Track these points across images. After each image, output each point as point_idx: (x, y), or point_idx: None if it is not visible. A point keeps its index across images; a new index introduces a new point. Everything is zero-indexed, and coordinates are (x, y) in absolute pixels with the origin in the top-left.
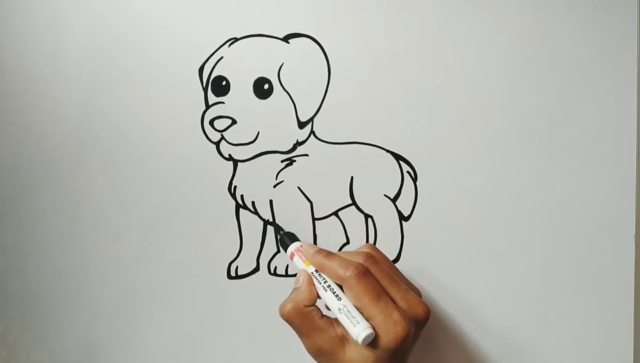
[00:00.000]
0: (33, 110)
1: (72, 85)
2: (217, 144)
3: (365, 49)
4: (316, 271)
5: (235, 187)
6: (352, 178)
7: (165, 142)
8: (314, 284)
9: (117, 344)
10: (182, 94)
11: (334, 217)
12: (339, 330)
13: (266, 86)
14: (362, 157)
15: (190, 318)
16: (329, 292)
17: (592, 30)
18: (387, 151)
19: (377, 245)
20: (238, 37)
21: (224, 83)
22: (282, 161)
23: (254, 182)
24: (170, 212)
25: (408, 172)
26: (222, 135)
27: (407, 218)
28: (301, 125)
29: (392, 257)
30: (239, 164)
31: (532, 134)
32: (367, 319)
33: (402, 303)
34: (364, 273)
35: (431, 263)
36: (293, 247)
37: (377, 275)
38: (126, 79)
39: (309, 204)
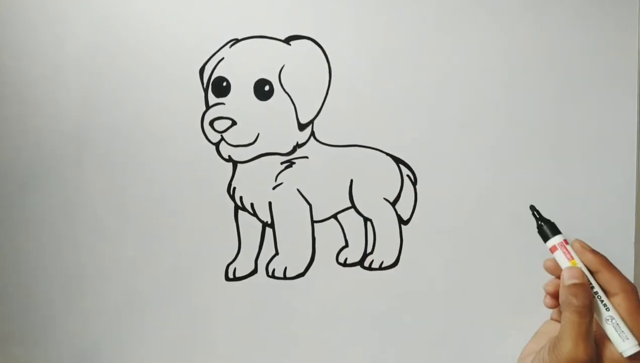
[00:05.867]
0: (32, 111)
1: (72, 86)
2: (217, 144)
3: (367, 51)
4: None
5: (234, 188)
6: (351, 181)
7: (165, 143)
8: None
9: (114, 345)
10: (182, 94)
11: (333, 219)
12: (610, 345)
13: (267, 87)
14: (362, 160)
15: (188, 319)
16: (597, 299)
17: (593, 33)
18: (387, 154)
19: (376, 249)
20: (239, 38)
21: (224, 84)
22: (281, 163)
23: (253, 184)
24: (169, 213)
25: (408, 175)
26: (222, 136)
27: (406, 222)
28: (301, 127)
29: (390, 261)
30: (239, 165)
31: (532, 139)
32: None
33: None
34: (637, 292)
35: (430, 268)
36: (556, 240)
37: None
38: (126, 80)
39: (308, 207)
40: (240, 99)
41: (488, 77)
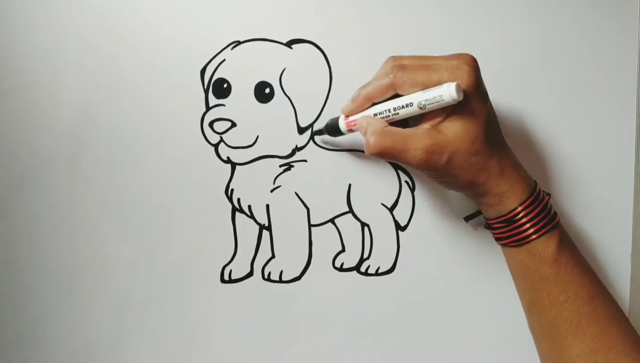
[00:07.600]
0: (31, 109)
1: (71, 85)
2: (216, 146)
3: (368, 56)
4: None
5: (232, 190)
6: (349, 185)
7: (164, 143)
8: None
9: (108, 346)
10: (183, 95)
11: (330, 224)
12: (425, 126)
13: (267, 90)
14: (360, 164)
15: (183, 320)
16: (399, 109)
17: (594, 38)
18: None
19: (372, 254)
20: (241, 40)
21: (225, 86)
22: (280, 166)
23: (251, 186)
24: (166, 213)
25: (406, 181)
26: (221, 137)
27: (403, 228)
28: (301, 130)
29: (387, 267)
30: (237, 167)
31: (530, 144)
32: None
33: (447, 61)
34: (400, 64)
35: (427, 274)
36: (341, 120)
37: (409, 59)
38: (126, 79)
39: (305, 210)
40: (241, 100)
41: (488, 83)
